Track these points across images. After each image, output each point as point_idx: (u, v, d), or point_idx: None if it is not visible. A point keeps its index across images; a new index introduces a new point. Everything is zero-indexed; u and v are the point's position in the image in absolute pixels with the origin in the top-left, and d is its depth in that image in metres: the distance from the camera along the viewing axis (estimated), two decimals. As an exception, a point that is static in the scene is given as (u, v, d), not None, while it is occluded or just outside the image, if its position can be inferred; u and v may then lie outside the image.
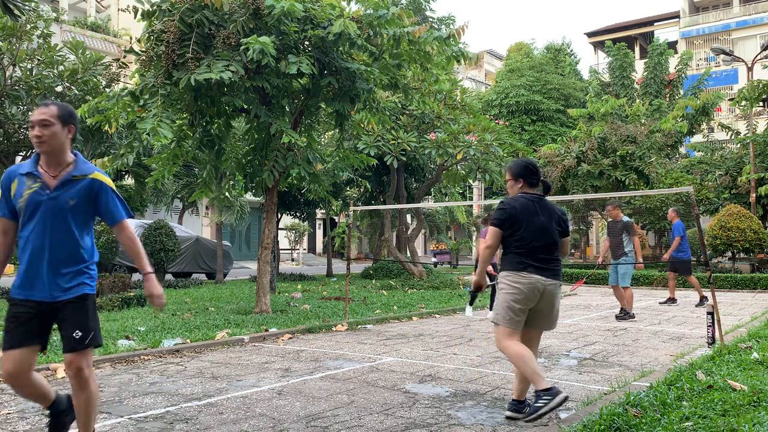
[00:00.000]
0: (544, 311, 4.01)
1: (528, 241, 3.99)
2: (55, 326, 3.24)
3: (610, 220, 9.98)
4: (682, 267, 11.71)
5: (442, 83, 11.87)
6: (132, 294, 10.21)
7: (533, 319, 4.03)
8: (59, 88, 12.77)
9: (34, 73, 12.33)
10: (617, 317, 9.73)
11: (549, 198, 4.32)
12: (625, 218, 9.84)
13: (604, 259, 10.45)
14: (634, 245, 9.62)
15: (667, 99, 31.05)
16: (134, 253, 3.27)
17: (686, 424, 3.61)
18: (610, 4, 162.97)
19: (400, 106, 15.04)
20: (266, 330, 7.71)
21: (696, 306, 11.42)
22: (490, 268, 8.77)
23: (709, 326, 6.70)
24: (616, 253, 9.74)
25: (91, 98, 11.67)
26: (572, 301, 12.87)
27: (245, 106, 8.71)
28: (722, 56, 20.51)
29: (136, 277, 16.38)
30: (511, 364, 5.98)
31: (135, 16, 8.35)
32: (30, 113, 12.68)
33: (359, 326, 8.68)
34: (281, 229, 28.84)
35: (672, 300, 11.99)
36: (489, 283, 9.58)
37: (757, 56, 20.56)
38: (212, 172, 10.09)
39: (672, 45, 37.50)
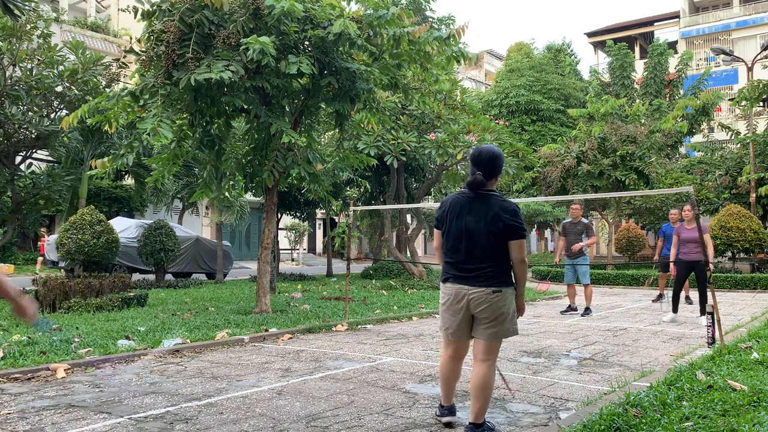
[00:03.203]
0: (482, 320, 3.61)
1: (449, 246, 3.68)
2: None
3: (568, 221, 10.30)
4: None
5: (442, 83, 11.88)
6: (132, 294, 10.20)
7: (475, 328, 3.69)
8: (59, 88, 12.78)
9: (34, 73, 12.34)
10: (562, 313, 10.41)
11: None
12: (584, 220, 10.24)
13: (560, 258, 10.70)
14: (589, 242, 10.09)
15: (667, 99, 31.08)
16: None
17: (686, 424, 3.61)
18: (610, 4, 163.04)
19: (400, 106, 15.04)
20: (266, 330, 7.72)
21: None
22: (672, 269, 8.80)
23: (709, 326, 6.70)
24: (574, 253, 10.07)
25: (91, 98, 11.68)
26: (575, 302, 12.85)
27: (245, 106, 8.71)
28: (722, 56, 20.52)
29: (136, 277, 16.38)
30: (511, 363, 5.98)
31: (135, 16, 8.35)
32: (30, 113, 12.72)
33: (359, 326, 8.68)
34: (281, 229, 28.84)
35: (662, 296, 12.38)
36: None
37: (757, 56, 20.57)
38: (212, 172, 10.09)
39: (672, 45, 37.52)
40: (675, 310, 9.28)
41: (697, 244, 8.58)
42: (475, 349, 3.67)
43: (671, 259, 8.87)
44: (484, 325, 3.60)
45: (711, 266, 8.74)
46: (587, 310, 10.17)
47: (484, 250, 3.55)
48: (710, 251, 8.62)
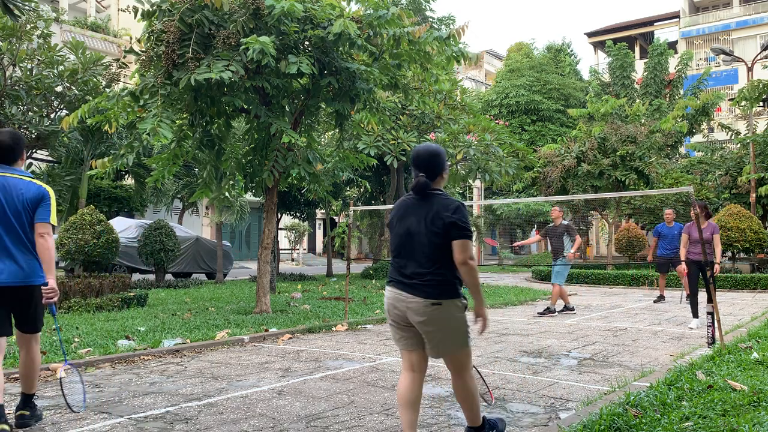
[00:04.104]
0: (425, 334, 3.25)
1: (392, 249, 3.39)
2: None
3: (551, 224, 10.46)
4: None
5: (442, 83, 11.90)
6: (132, 294, 10.20)
7: (425, 342, 3.31)
8: (59, 88, 12.79)
9: (34, 73, 12.34)
10: (558, 312, 10.43)
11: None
12: (565, 221, 10.31)
13: (522, 246, 11.01)
14: (576, 244, 10.11)
15: (667, 99, 31.08)
16: None
17: (686, 424, 3.61)
18: (610, 4, 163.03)
19: (400, 106, 15.05)
20: (266, 330, 7.72)
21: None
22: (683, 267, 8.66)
23: (709, 326, 6.70)
24: (556, 255, 10.23)
25: (91, 98, 11.68)
26: (573, 301, 12.87)
27: (245, 106, 8.71)
28: (722, 56, 20.52)
29: (136, 277, 16.38)
30: (511, 363, 5.99)
31: (135, 16, 8.36)
32: (30, 113, 12.73)
33: (359, 326, 8.68)
34: (281, 229, 28.84)
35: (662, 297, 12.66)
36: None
37: (757, 56, 20.57)
38: (212, 172, 10.10)
39: (672, 45, 37.53)
40: (696, 314, 8.68)
41: (707, 245, 8.29)
42: (446, 363, 3.37)
43: (682, 258, 8.71)
44: (430, 344, 3.27)
45: (717, 267, 8.59)
46: (547, 310, 10.20)
47: (425, 254, 3.21)
48: (717, 252, 8.45)
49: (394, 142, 14.02)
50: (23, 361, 3.88)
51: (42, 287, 3.83)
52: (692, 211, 8.63)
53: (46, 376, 5.36)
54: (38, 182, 3.92)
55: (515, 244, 11.56)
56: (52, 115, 13.15)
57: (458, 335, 3.24)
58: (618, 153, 19.67)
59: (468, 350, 3.32)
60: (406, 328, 3.31)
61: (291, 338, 7.61)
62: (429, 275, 3.18)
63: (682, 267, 8.66)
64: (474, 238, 33.30)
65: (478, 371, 3.82)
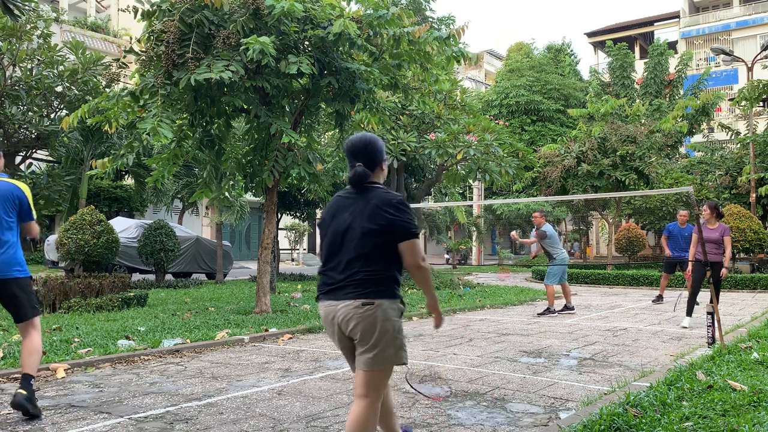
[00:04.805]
0: (358, 343, 2.82)
1: (325, 254, 2.95)
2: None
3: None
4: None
5: (442, 83, 11.87)
6: (132, 294, 10.20)
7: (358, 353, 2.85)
8: (59, 88, 12.81)
9: (34, 73, 12.36)
10: (558, 311, 10.48)
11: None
12: (545, 227, 10.24)
13: (521, 246, 11.03)
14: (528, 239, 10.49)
15: (667, 99, 31.08)
16: None
17: (686, 424, 3.61)
18: (610, 4, 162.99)
19: (400, 106, 15.04)
20: (266, 330, 7.72)
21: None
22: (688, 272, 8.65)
23: (709, 326, 6.70)
24: (549, 256, 10.48)
25: (91, 98, 11.69)
26: (573, 301, 12.85)
27: (245, 106, 8.71)
28: (722, 56, 20.52)
29: (136, 277, 16.38)
30: (511, 363, 5.98)
31: (135, 16, 8.36)
32: (30, 113, 12.74)
33: (359, 326, 8.66)
34: (281, 229, 28.84)
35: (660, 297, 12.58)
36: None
37: (757, 56, 20.57)
38: (212, 172, 10.10)
39: (672, 45, 37.54)
40: (690, 313, 8.71)
41: (717, 245, 8.26)
42: (355, 380, 2.84)
43: (690, 259, 8.64)
44: (359, 350, 2.80)
45: (724, 271, 8.47)
46: (547, 310, 10.27)
47: (359, 251, 2.81)
48: (727, 253, 8.34)
49: (394, 142, 14.02)
50: (23, 345, 4.24)
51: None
52: (704, 212, 8.60)
53: (46, 377, 5.36)
54: (14, 182, 4.30)
55: (515, 236, 11.27)
56: (52, 115, 13.17)
57: (391, 344, 2.80)
58: (618, 153, 19.68)
59: (390, 371, 2.86)
60: (343, 348, 2.94)
61: (291, 338, 7.61)
62: (361, 273, 2.79)
63: (689, 271, 8.62)
64: (474, 238, 33.40)
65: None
